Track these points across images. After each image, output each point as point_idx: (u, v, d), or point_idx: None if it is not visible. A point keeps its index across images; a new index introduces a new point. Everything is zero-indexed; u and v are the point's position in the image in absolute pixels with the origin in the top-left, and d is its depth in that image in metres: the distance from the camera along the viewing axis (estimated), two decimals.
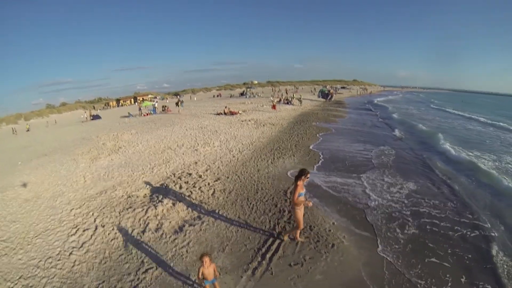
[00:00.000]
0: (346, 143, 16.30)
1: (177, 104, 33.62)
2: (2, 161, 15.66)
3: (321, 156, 13.37)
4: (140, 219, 7.68)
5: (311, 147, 14.97)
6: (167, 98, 70.00)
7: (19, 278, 5.68)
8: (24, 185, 10.40)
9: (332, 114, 29.85)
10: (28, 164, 13.92)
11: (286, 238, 6.62)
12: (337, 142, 16.60)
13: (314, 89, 72.65)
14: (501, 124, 27.23)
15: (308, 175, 6.04)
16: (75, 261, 6.17)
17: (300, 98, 38.98)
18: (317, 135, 18.19)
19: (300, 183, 5.88)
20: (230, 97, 59.90)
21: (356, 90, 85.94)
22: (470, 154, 14.63)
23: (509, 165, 12.79)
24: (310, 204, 6.04)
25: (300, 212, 6.05)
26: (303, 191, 5.96)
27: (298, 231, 6.48)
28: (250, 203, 8.47)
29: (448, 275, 5.49)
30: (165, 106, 37.09)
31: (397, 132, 20.32)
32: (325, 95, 49.26)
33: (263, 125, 20.58)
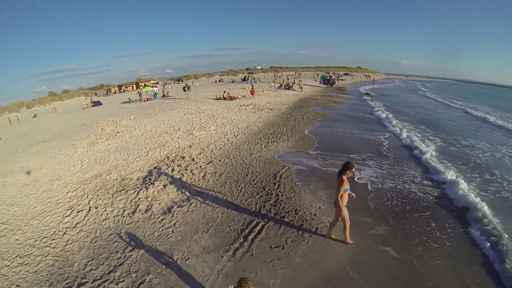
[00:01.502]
0: (342, 129, 16.33)
1: (184, 89, 33.32)
2: (4, 148, 16.03)
3: (316, 141, 13.46)
4: (131, 201, 7.94)
5: (306, 132, 15.05)
6: (169, 84, 69.76)
7: (16, 256, 5.99)
8: (28, 172, 10.69)
9: (332, 100, 29.65)
10: (28, 150, 14.24)
11: (332, 236, 6.22)
12: (333, 127, 16.62)
13: (317, 75, 71.80)
14: (461, 107, 31.60)
15: (354, 169, 5.58)
16: (68, 240, 6.47)
17: (301, 83, 38.57)
18: (314, 120, 18.20)
19: (345, 177, 5.46)
20: (232, 82, 59.53)
21: (359, 77, 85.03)
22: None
23: None
24: (354, 196, 5.78)
25: (346, 209, 5.61)
26: (348, 186, 5.53)
27: (347, 230, 5.89)
28: (239, 186, 8.67)
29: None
30: (166, 92, 37.13)
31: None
32: (326, 81, 48.84)
33: (261, 110, 20.62)
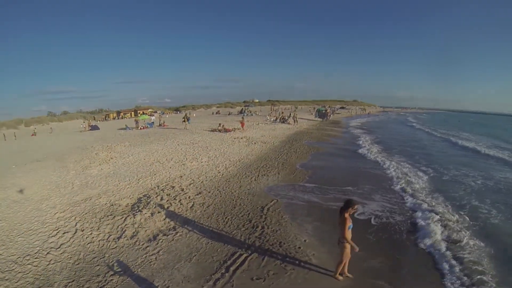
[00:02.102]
0: (334, 162, 16.81)
1: (183, 120, 33.87)
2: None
3: (307, 175, 13.81)
4: (118, 226, 8.03)
5: (297, 166, 15.43)
6: (167, 113, 71.04)
7: None
8: (21, 191, 10.74)
9: (326, 133, 30.77)
10: (21, 167, 14.32)
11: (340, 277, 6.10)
12: (325, 161, 17.11)
13: (314, 108, 74.46)
14: (442, 135, 35.80)
15: (356, 207, 5.60)
16: (50, 260, 6.49)
17: (296, 117, 39.86)
18: (307, 154, 18.73)
19: (347, 215, 5.47)
20: (229, 114, 61.14)
21: (354, 110, 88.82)
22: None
23: None
24: (357, 249, 5.53)
25: (349, 247, 5.58)
26: (350, 223, 5.51)
27: (341, 266, 5.94)
28: (226, 218, 8.84)
29: None
30: (163, 121, 37.94)
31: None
32: (322, 114, 51.05)
33: (254, 143, 21.17)
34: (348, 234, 5.49)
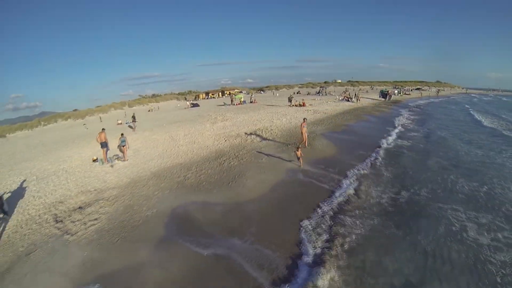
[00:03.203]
0: (366, 125, 28.09)
1: (289, 99, 47.52)
2: (159, 121, 32.28)
3: (342, 129, 25.61)
4: (238, 140, 21.65)
5: (341, 125, 27.32)
6: (251, 94, 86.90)
7: (197, 145, 20.11)
8: (185, 135, 25.72)
9: (378, 110, 41.82)
10: (170, 125, 29.93)
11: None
12: (362, 124, 28.51)
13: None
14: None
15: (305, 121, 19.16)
16: (208, 151, 20.39)
17: (359, 96, 52.41)
18: (351, 120, 30.20)
19: (304, 124, 18.87)
20: (308, 94, 74.07)
21: (429, 91, 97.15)
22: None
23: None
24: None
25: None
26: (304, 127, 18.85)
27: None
28: (291, 136, 21.66)
29: None
30: (254, 99, 53.63)
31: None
32: (384, 95, 61.38)
33: (318, 113, 33.69)
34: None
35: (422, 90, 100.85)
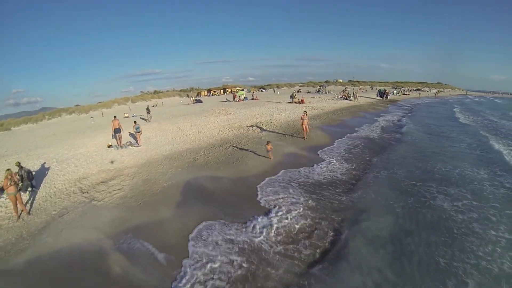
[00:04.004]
0: (359, 120, 29.82)
1: (292, 96, 49.64)
2: (165, 113, 33.98)
3: (338, 123, 27.36)
4: (242, 131, 23.34)
5: (337, 119, 29.08)
6: (253, 91, 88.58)
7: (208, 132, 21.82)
8: (193, 125, 27.43)
9: (374, 108, 44.04)
10: (175, 118, 31.60)
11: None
12: (355, 119, 30.26)
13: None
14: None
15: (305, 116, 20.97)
16: (213, 138, 22.08)
17: (356, 95, 54.54)
18: (346, 116, 32.01)
19: (304, 116, 20.65)
20: (308, 92, 75.94)
21: (429, 92, 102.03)
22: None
23: None
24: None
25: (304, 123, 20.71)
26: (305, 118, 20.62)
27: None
28: (289, 128, 23.33)
29: None
30: (255, 96, 55.33)
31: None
32: (382, 94, 64.26)
33: (316, 109, 35.47)
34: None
35: (422, 91, 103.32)
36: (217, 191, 12.21)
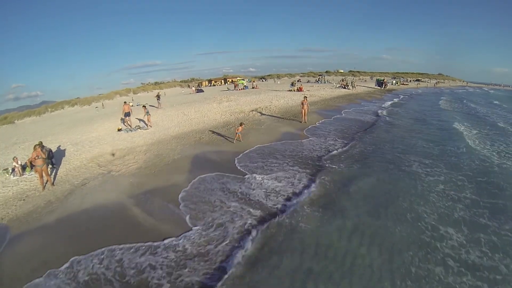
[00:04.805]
0: (352, 105, 31.25)
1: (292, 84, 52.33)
2: (170, 102, 35.44)
3: (334, 108, 28.77)
4: (242, 116, 24.76)
5: (333, 105, 30.49)
6: (253, 81, 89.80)
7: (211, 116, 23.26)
8: (197, 111, 28.82)
9: (371, 96, 45.80)
10: (179, 105, 33.04)
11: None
12: (351, 105, 31.66)
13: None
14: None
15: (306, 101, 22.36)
16: (216, 120, 23.49)
17: (354, 84, 56.16)
18: (343, 102, 33.44)
19: (304, 101, 22.10)
20: (307, 82, 77.50)
21: (428, 83, 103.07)
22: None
23: None
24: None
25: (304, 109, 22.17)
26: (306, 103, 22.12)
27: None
28: (287, 112, 24.73)
29: None
30: (255, 85, 56.74)
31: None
32: (380, 83, 65.78)
33: (314, 97, 36.95)
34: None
35: (421, 81, 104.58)
36: (221, 160, 13.98)
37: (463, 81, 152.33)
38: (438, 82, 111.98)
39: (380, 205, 9.51)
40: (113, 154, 15.78)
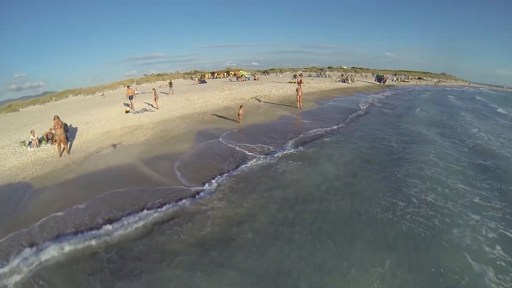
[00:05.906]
0: (348, 97, 32.82)
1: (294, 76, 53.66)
2: (181, 91, 37.12)
3: (332, 98, 30.32)
4: (243, 100, 26.33)
5: (332, 96, 32.05)
6: (256, 74, 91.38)
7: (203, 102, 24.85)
8: (201, 97, 30.44)
9: (368, 89, 47.64)
10: (183, 93, 34.61)
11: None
12: (349, 97, 33.23)
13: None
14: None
15: (300, 89, 23.97)
16: (215, 105, 25.08)
17: (353, 78, 58.42)
18: (340, 94, 34.99)
19: (298, 87, 23.96)
20: (309, 76, 79.15)
21: (426, 81, 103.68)
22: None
23: None
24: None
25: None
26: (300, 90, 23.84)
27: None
28: (284, 100, 26.30)
29: None
30: (257, 76, 58.23)
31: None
32: (379, 79, 67.21)
33: (313, 88, 38.82)
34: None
35: (423, 79, 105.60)
36: (222, 135, 15.69)
37: (466, 81, 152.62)
38: (440, 81, 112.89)
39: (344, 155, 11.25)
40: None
